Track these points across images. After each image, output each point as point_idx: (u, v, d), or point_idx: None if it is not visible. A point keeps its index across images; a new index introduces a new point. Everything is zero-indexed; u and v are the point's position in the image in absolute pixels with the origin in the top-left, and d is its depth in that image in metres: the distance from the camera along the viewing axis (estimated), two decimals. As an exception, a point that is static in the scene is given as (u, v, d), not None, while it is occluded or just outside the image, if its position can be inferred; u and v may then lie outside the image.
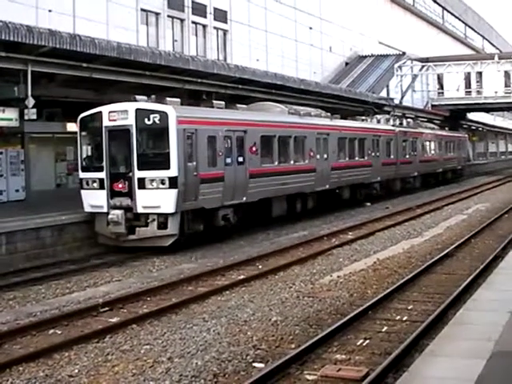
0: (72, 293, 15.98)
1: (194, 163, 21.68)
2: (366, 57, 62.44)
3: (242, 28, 45.03)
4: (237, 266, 18.74)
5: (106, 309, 14.09)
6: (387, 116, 45.63)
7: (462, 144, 60.50)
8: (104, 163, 21.67)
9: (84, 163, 22.60)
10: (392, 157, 40.76)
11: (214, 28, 43.19)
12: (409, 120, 50.27)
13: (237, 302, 14.51)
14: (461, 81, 63.19)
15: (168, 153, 20.91)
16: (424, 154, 48.14)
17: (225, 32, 44.25)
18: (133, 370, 10.23)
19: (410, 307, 13.74)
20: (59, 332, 12.61)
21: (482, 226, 25.22)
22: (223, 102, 25.78)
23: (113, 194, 21.38)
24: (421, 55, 64.12)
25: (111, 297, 15.24)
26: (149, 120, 21.04)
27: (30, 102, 22.81)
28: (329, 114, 34.77)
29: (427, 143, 49.81)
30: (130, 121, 21.24)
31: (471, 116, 75.05)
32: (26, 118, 23.79)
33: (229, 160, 23.64)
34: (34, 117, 23.54)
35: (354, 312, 12.92)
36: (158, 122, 20.99)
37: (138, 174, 21.05)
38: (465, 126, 71.29)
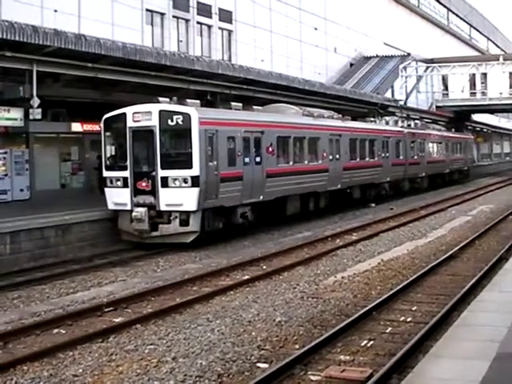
0: (76, 292, 16.00)
1: (215, 163, 22.35)
2: (370, 58, 62.31)
3: (246, 28, 45.02)
4: (241, 266, 18.74)
5: (111, 308, 14.11)
6: (395, 117, 46.43)
7: (468, 145, 61.17)
8: (128, 162, 22.34)
9: (108, 162, 23.25)
10: (401, 158, 41.46)
11: (219, 28, 43.19)
12: (416, 121, 50.56)
13: (241, 302, 14.52)
14: (465, 82, 63.17)
15: (190, 153, 21.60)
16: (431, 155, 48.78)
17: (230, 32, 44.24)
18: (137, 370, 10.23)
19: (414, 308, 13.73)
20: (63, 331, 12.63)
21: (487, 227, 25.17)
22: (241, 104, 26.49)
23: (136, 192, 22.06)
24: (426, 56, 64.02)
25: (115, 297, 15.25)
26: (172, 121, 21.75)
27: (35, 101, 22.85)
28: (340, 115, 35.41)
29: (434, 144, 50.36)
30: (154, 122, 21.93)
31: (476, 117, 74.94)
32: (30, 117, 23.86)
33: (247, 160, 24.34)
34: (39, 117, 23.59)
35: (358, 313, 12.90)
36: (180, 123, 21.67)
37: (162, 172, 21.73)
38: (469, 128, 71.19)
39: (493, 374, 7.36)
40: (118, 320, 13.27)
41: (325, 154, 30.75)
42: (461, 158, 57.44)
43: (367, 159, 35.97)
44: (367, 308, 13.23)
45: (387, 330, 12.20)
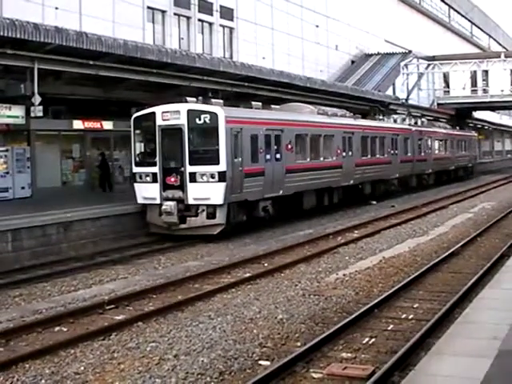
0: (77, 290, 15.99)
1: (240, 159, 23.58)
2: (372, 55, 62.28)
3: (248, 26, 44.98)
4: (242, 263, 18.73)
5: (112, 306, 14.09)
6: (403, 116, 47.25)
7: (472, 143, 62.28)
8: (157, 159, 23.37)
9: (137, 159, 24.29)
10: (409, 154, 42.71)
11: (221, 26, 43.15)
12: (423, 120, 51.48)
13: (243, 299, 14.50)
14: (467, 79, 63.11)
15: (217, 149, 22.78)
16: (437, 152, 49.97)
17: (231, 30, 44.21)
18: (139, 368, 10.22)
19: (415, 305, 13.71)
20: (65, 329, 12.62)
21: (488, 224, 25.15)
22: (260, 103, 27.76)
23: (165, 186, 23.22)
24: (427, 54, 63.98)
25: (117, 294, 15.23)
26: (199, 120, 22.90)
27: (37, 99, 22.88)
28: (352, 114, 36.83)
29: (441, 142, 51.46)
30: (182, 120, 23.01)
31: (477, 114, 74.93)
32: (32, 115, 23.89)
33: (268, 156, 25.61)
34: (41, 114, 23.61)
35: (360, 310, 12.89)
36: (208, 121, 22.82)
37: (190, 168, 22.86)
38: (470, 125, 71.12)
39: (495, 371, 7.35)
40: (120, 318, 13.26)
41: (338, 151, 32.11)
42: (465, 155, 58.58)
43: (377, 156, 37.26)
44: (369, 305, 13.21)
45: (389, 328, 12.18)
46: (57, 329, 12.62)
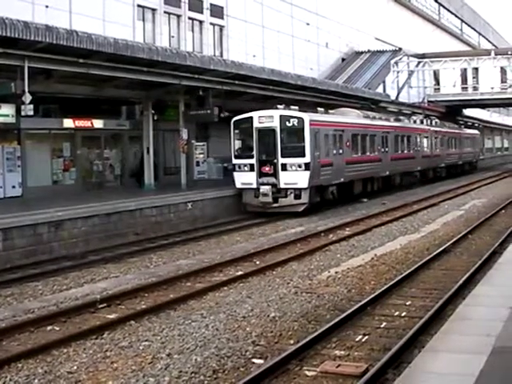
0: (69, 289, 15.92)
1: (318, 153, 30.08)
2: (362, 53, 62.22)
3: (238, 23, 44.89)
4: (234, 261, 18.70)
5: (104, 305, 14.04)
6: (421, 117, 54.08)
7: (476, 140, 68.39)
8: (254, 153, 29.63)
9: (236, 153, 30.52)
10: (427, 151, 49.46)
11: (211, 24, 43.03)
12: (436, 120, 55.27)
13: (235, 297, 14.49)
14: (457, 77, 63.33)
15: (303, 146, 29.21)
16: (449, 149, 55.97)
17: (221, 28, 44.12)
18: (132, 367, 10.20)
19: (408, 303, 13.72)
20: (57, 328, 12.57)
21: (479, 221, 25.19)
22: (323, 109, 34.69)
23: (261, 174, 29.48)
24: (417, 51, 64.06)
25: (109, 293, 15.18)
26: (289, 123, 29.40)
27: (27, 98, 22.81)
28: (385, 116, 43.79)
29: (451, 140, 57.08)
30: (275, 123, 29.41)
31: (467, 112, 75.05)
32: (22, 114, 23.78)
33: (335, 151, 32.20)
34: (31, 113, 23.51)
35: (353, 308, 12.89)
36: (296, 124, 29.33)
37: (282, 160, 29.23)
38: (461, 122, 71.26)
39: (490, 368, 7.36)
40: (112, 316, 13.22)
41: (379, 148, 38.64)
42: (471, 151, 64.56)
43: (405, 152, 44.00)
44: (361, 303, 13.21)
45: (382, 325, 12.19)
46: (49, 328, 12.57)
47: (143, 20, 38.09)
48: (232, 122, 30.41)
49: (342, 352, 10.70)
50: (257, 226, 26.57)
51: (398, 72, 61.26)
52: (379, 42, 64.99)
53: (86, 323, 12.82)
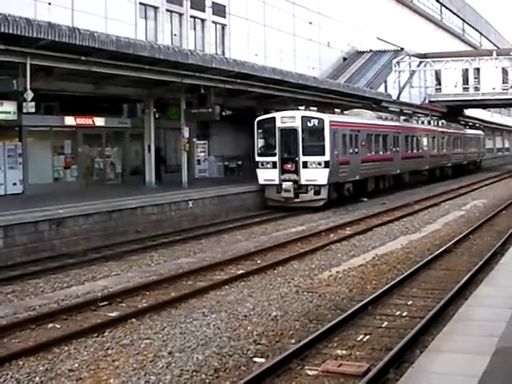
0: (70, 287, 15.90)
1: (336, 152, 31.96)
2: (364, 52, 62.21)
3: (240, 22, 44.86)
4: (235, 260, 18.67)
5: (105, 303, 14.02)
6: (428, 118, 55.96)
7: (480, 141, 70.40)
8: (276, 151, 31.51)
9: (260, 151, 32.27)
10: (435, 151, 51.17)
11: (213, 22, 43.03)
12: (442, 121, 56.69)
13: (236, 296, 14.47)
14: (458, 77, 63.20)
15: (323, 145, 31.03)
16: (455, 149, 57.62)
17: (223, 26, 44.09)
18: (133, 365, 10.18)
19: (409, 303, 13.71)
20: (58, 326, 12.56)
21: (480, 222, 25.16)
22: (339, 110, 37.22)
23: (283, 171, 31.29)
24: (419, 51, 64.05)
25: (110, 291, 15.16)
26: (310, 123, 31.23)
27: (29, 95, 22.78)
28: (395, 117, 46.69)
29: (457, 140, 58.78)
30: (297, 124, 31.26)
31: (468, 112, 75.00)
32: (24, 111, 23.79)
33: (351, 150, 34.11)
34: (33, 110, 23.50)
35: (354, 307, 12.87)
36: (316, 124, 31.19)
37: (303, 158, 31.03)
38: (462, 123, 71.28)
39: (494, 369, 7.34)
40: (114, 314, 13.20)
41: (391, 147, 40.52)
42: (475, 151, 66.59)
43: (415, 151, 46.11)
44: (363, 302, 13.20)
45: (383, 325, 12.18)
46: (50, 325, 12.55)
47: (145, 18, 38.09)
48: (256, 121, 32.33)
49: (344, 351, 10.69)
50: (258, 225, 26.61)
51: (399, 72, 61.22)
52: (381, 42, 64.96)
53: (87, 321, 12.80)
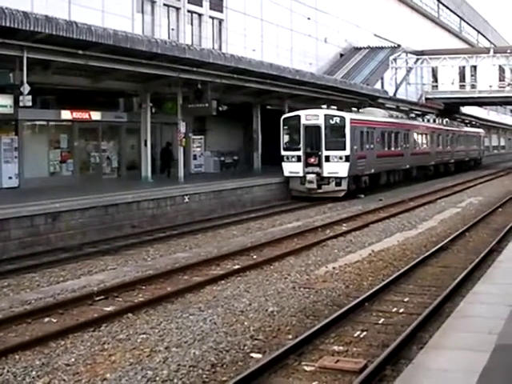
0: (66, 281, 15.85)
1: (355, 147, 34.80)
2: (361, 49, 62.18)
3: (237, 17, 44.78)
4: (231, 255, 18.63)
5: (101, 297, 13.98)
6: (434, 117, 57.79)
7: (481, 139, 72.86)
8: (301, 145, 34.33)
9: (285, 146, 35.04)
10: (440, 147, 53.83)
11: (210, 17, 42.97)
12: (446, 120, 58.77)
13: (232, 291, 14.45)
14: (455, 74, 63.14)
15: (344, 141, 33.93)
16: (457, 146, 59.78)
17: (220, 21, 44.03)
18: (130, 359, 10.16)
19: (406, 299, 13.70)
20: (54, 320, 12.52)
21: (476, 219, 25.17)
22: (356, 109, 40.68)
23: (307, 164, 34.14)
24: (416, 48, 64.05)
25: (106, 285, 15.11)
26: (332, 121, 34.15)
27: (26, 88, 22.70)
28: (406, 115, 50.28)
29: (460, 138, 61.09)
30: (320, 121, 34.14)
31: (465, 110, 75.01)
32: (20, 104, 23.69)
33: (367, 146, 36.87)
34: (29, 104, 23.42)
35: (351, 303, 12.86)
36: (338, 122, 34.06)
37: (325, 152, 33.98)
38: (458, 120, 71.29)
39: (493, 365, 7.34)
40: (110, 309, 13.17)
41: (401, 144, 43.44)
42: (476, 148, 69.21)
43: (423, 148, 49.26)
44: (359, 299, 13.18)
45: (380, 321, 12.17)
46: (46, 320, 12.51)
47: (142, 12, 38.02)
48: (281, 119, 35.20)
49: (341, 347, 10.67)
50: (254, 220, 26.58)
51: (396, 68, 61.22)
52: (378, 39, 64.99)
53: (84, 315, 12.76)
